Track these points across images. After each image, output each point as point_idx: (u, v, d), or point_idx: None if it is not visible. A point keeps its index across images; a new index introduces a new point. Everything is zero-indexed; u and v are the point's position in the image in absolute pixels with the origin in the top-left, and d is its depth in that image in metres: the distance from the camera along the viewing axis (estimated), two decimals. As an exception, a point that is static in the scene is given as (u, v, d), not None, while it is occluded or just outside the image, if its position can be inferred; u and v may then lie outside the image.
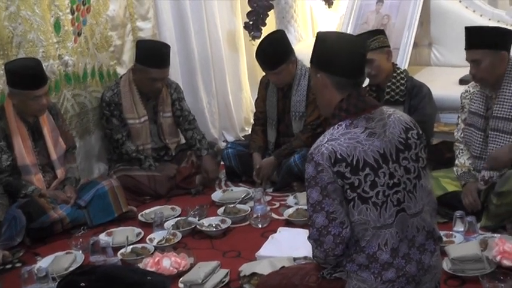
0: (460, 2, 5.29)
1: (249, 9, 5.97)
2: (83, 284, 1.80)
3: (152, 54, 4.78)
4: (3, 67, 4.25)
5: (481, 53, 3.71)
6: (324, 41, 2.64)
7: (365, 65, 2.67)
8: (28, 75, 4.11)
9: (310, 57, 2.69)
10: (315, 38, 2.69)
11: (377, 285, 2.49)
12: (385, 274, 2.49)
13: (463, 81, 4.78)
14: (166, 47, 4.91)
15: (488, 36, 3.73)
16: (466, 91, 4.01)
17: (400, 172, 2.52)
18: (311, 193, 2.50)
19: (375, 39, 4.34)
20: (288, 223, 4.15)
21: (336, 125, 2.55)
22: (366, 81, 4.52)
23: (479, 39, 3.74)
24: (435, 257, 2.62)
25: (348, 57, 2.56)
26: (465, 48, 3.80)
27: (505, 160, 3.73)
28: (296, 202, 4.41)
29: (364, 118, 2.55)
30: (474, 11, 5.20)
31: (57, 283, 2.85)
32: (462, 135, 4.00)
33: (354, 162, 2.46)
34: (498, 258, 3.24)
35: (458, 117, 4.06)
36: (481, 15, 5.14)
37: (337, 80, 2.57)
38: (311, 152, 2.52)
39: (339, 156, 2.45)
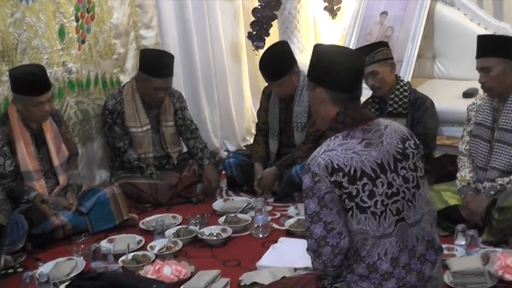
0: (465, 15, 5.29)
1: (253, 19, 5.98)
2: (90, 289, 1.82)
3: (156, 64, 4.78)
4: (7, 73, 4.26)
5: (493, 61, 3.71)
6: (321, 56, 2.69)
7: (362, 80, 2.70)
8: (32, 82, 4.12)
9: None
10: (312, 51, 2.72)
11: None
12: (386, 284, 2.50)
13: (466, 95, 4.78)
14: (169, 57, 4.91)
15: (501, 44, 3.74)
16: (473, 103, 4.00)
17: (398, 181, 2.54)
18: (308, 204, 2.52)
19: (378, 51, 4.34)
20: (289, 233, 4.14)
21: (333, 137, 2.59)
22: (369, 93, 4.53)
23: (492, 46, 3.74)
24: (436, 268, 2.63)
25: (346, 73, 2.61)
26: (476, 57, 3.80)
27: (481, 211, 3.77)
28: (297, 212, 4.40)
29: (361, 129, 2.58)
30: (479, 24, 5.20)
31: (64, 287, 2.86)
32: (467, 147, 3.99)
33: (352, 172, 2.48)
34: (500, 272, 3.23)
35: (464, 129, 4.05)
36: (485, 28, 5.13)
37: (335, 95, 2.62)
38: (308, 163, 2.55)
39: (336, 166, 2.48)
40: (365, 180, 2.49)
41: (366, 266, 2.51)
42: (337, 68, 2.61)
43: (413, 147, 2.63)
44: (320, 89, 2.64)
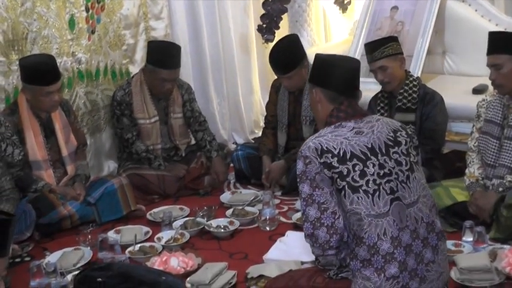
0: (476, 11, 5.28)
1: (262, 12, 5.97)
2: (100, 279, 1.82)
3: (162, 55, 4.77)
4: (17, 62, 4.27)
5: (504, 58, 3.69)
6: (319, 60, 2.85)
7: (357, 80, 2.82)
8: (41, 71, 4.13)
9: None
10: (313, 59, 2.89)
11: (381, 283, 2.53)
12: (388, 269, 2.53)
13: (476, 91, 4.77)
14: (176, 48, 4.91)
15: None
16: (483, 100, 3.99)
17: (391, 164, 2.62)
18: (302, 188, 2.62)
19: (388, 46, 4.33)
20: (296, 227, 4.14)
21: (325, 127, 2.72)
22: (378, 88, 4.52)
23: (503, 43, 3.72)
24: (440, 255, 2.66)
25: (340, 73, 2.76)
26: (487, 53, 3.78)
27: (489, 208, 3.76)
28: (304, 206, 4.39)
29: (353, 121, 2.70)
30: (490, 20, 5.19)
31: (73, 277, 2.89)
32: (476, 144, 3.98)
33: (341, 154, 2.57)
34: (507, 269, 3.23)
35: (473, 126, 4.04)
36: (496, 25, 5.11)
37: (330, 94, 2.75)
38: (300, 150, 2.67)
39: (325, 148, 2.58)
40: (355, 161, 2.57)
41: (367, 248, 2.54)
42: (331, 68, 2.77)
43: (405, 135, 2.71)
44: (316, 89, 2.79)
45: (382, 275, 2.52)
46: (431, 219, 2.66)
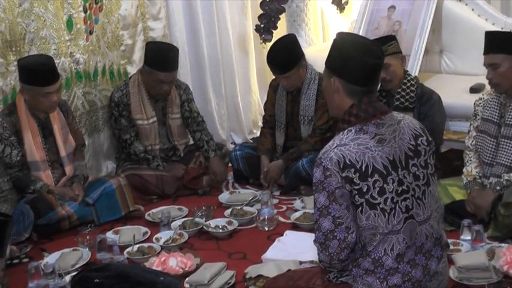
0: (473, 10, 5.29)
1: (260, 11, 5.97)
2: (97, 280, 1.82)
3: (160, 58, 4.77)
4: (15, 63, 4.27)
5: (501, 58, 3.70)
6: (341, 46, 2.61)
7: (379, 74, 2.66)
8: (40, 72, 4.13)
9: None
10: (333, 39, 2.67)
11: None
12: (391, 279, 2.51)
13: (473, 90, 4.78)
14: (174, 50, 4.90)
15: (509, 40, 3.73)
16: (480, 98, 4.00)
17: (409, 179, 2.53)
18: (318, 197, 2.51)
19: (391, 44, 4.33)
20: (295, 227, 4.14)
21: (346, 130, 2.56)
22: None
23: (500, 43, 3.73)
24: (442, 264, 2.64)
25: (364, 67, 2.55)
26: (484, 53, 3.79)
27: (487, 206, 3.76)
28: (303, 206, 4.40)
29: (374, 124, 2.55)
30: (486, 20, 5.20)
31: (71, 278, 2.89)
32: (473, 142, 3.99)
33: (363, 168, 2.47)
34: (505, 268, 3.23)
35: (471, 124, 4.05)
36: (493, 24, 5.13)
37: (350, 87, 2.57)
38: (320, 156, 2.53)
39: (348, 162, 2.46)
40: (376, 176, 2.47)
41: (372, 261, 2.51)
42: (356, 62, 2.54)
43: (425, 143, 2.61)
44: (335, 78, 2.59)
45: (385, 283, 2.50)
46: (439, 234, 2.62)
